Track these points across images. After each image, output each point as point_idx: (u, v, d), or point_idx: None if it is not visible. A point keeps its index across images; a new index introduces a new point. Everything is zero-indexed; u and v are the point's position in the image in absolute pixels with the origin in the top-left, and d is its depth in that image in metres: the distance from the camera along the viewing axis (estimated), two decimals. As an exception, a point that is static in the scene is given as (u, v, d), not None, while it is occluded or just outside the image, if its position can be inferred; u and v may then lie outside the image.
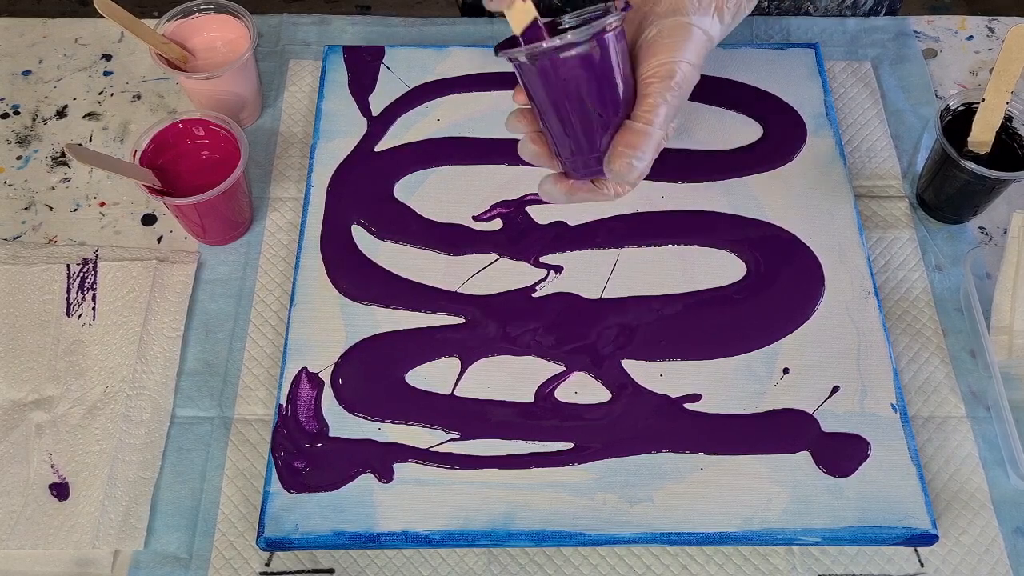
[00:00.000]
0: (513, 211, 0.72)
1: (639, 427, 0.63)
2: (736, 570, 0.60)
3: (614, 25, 0.51)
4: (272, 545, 0.60)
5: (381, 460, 0.62)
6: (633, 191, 0.72)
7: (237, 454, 0.64)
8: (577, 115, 0.53)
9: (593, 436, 0.63)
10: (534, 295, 0.68)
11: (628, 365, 0.65)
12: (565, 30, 0.54)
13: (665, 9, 0.55)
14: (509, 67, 0.54)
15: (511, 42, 0.53)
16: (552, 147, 0.56)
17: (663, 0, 0.55)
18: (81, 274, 0.70)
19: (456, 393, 0.64)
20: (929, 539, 0.59)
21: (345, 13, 0.85)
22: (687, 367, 0.65)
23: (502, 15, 0.51)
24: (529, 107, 0.55)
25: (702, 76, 0.77)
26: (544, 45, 0.50)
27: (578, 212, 0.71)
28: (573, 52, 0.50)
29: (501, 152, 0.75)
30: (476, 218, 0.72)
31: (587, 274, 0.69)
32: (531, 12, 0.50)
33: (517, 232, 0.71)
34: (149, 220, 0.74)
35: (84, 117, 0.80)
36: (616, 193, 0.56)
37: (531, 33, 0.51)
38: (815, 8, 0.86)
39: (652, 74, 0.53)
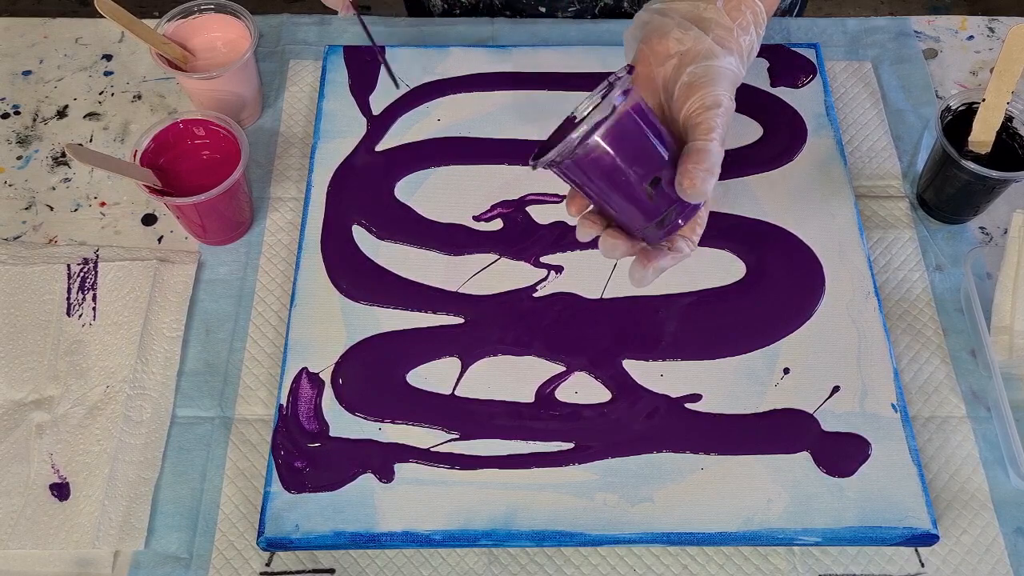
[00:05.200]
0: (513, 211, 0.72)
1: (639, 427, 0.63)
2: (736, 570, 0.60)
3: (626, 89, 0.51)
4: (272, 545, 0.60)
5: (381, 460, 0.62)
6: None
7: (237, 454, 0.64)
8: (636, 182, 0.53)
9: (593, 436, 0.62)
10: (534, 295, 0.68)
11: (628, 365, 0.65)
12: (583, 119, 0.54)
13: (695, 56, 0.57)
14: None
15: (544, 149, 0.54)
16: (627, 226, 0.55)
17: (692, 49, 0.57)
18: (81, 274, 0.70)
19: (456, 393, 0.64)
20: (930, 539, 0.59)
21: (345, 13, 0.85)
22: (687, 367, 0.65)
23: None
24: (589, 208, 0.56)
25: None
26: (574, 136, 0.50)
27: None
28: (603, 129, 0.50)
29: (501, 152, 0.75)
30: (476, 218, 0.72)
31: (587, 274, 0.69)
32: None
33: (517, 232, 0.71)
34: (149, 220, 0.74)
35: (85, 117, 0.80)
36: (690, 248, 0.56)
37: None
38: None
39: (698, 106, 0.55)
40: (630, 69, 0.53)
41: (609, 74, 0.53)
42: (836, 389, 0.64)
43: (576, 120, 0.53)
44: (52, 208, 0.75)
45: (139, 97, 0.81)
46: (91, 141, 0.78)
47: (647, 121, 0.52)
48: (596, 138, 0.51)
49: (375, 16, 0.85)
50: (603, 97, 0.52)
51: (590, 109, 0.52)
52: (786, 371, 0.65)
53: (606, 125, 0.51)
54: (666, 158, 0.53)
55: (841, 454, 0.62)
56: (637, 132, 0.52)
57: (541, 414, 0.63)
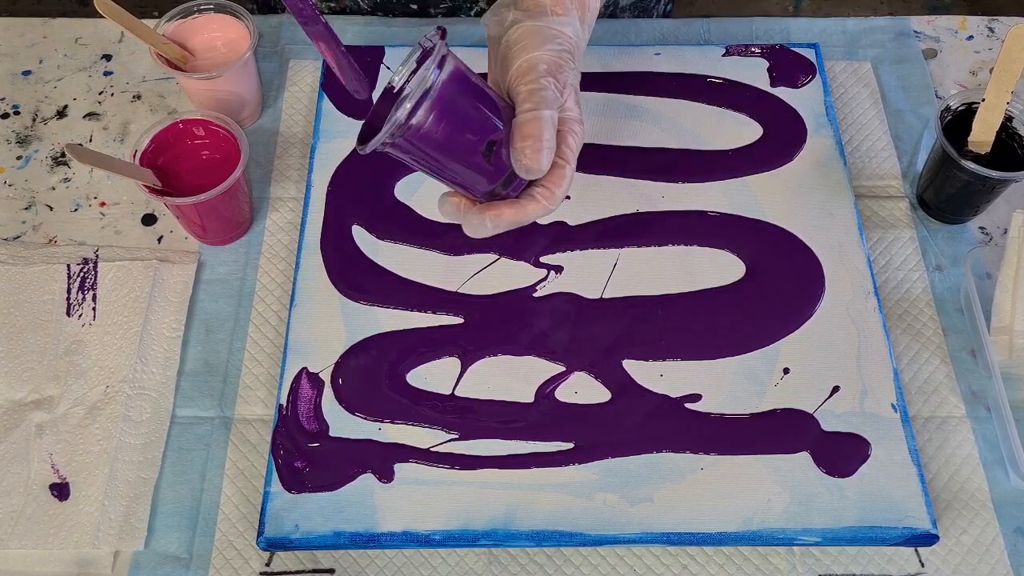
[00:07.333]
0: (513, 211, 0.72)
1: (639, 427, 0.63)
2: (736, 570, 0.60)
3: (443, 56, 0.50)
4: (272, 545, 0.60)
5: (381, 460, 0.62)
6: (633, 191, 0.72)
7: (237, 454, 0.64)
8: (470, 150, 0.52)
9: (593, 436, 0.62)
10: (534, 295, 0.68)
11: (628, 365, 0.65)
12: (402, 89, 0.53)
13: (520, 15, 0.57)
14: None
15: (369, 129, 0.52)
16: (473, 192, 0.55)
17: (519, 11, 0.57)
18: (81, 274, 0.70)
19: (456, 393, 0.64)
20: (929, 539, 0.59)
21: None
22: (687, 367, 0.65)
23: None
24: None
25: (703, 77, 0.78)
26: (398, 115, 0.49)
27: (578, 212, 0.71)
28: (427, 103, 0.49)
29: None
30: (476, 218, 0.72)
31: (587, 274, 0.69)
32: None
33: (517, 232, 0.70)
34: (149, 220, 0.74)
35: (84, 117, 0.80)
36: (545, 207, 0.55)
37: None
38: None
39: (517, 75, 0.54)
40: (442, 33, 0.51)
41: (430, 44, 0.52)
42: (836, 389, 0.64)
43: (395, 91, 0.51)
44: (52, 208, 0.75)
45: (139, 97, 0.81)
46: (91, 141, 0.78)
47: (470, 86, 0.51)
48: (420, 114, 0.49)
49: (373, 16, 0.85)
50: (419, 63, 0.50)
51: (406, 76, 0.50)
52: (786, 371, 0.65)
53: (429, 98, 0.49)
54: (497, 121, 0.52)
55: (841, 454, 0.62)
56: (461, 100, 0.51)
57: (541, 414, 0.63)
